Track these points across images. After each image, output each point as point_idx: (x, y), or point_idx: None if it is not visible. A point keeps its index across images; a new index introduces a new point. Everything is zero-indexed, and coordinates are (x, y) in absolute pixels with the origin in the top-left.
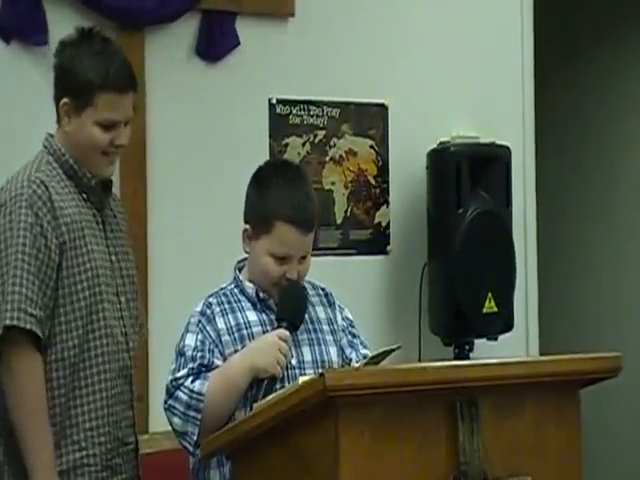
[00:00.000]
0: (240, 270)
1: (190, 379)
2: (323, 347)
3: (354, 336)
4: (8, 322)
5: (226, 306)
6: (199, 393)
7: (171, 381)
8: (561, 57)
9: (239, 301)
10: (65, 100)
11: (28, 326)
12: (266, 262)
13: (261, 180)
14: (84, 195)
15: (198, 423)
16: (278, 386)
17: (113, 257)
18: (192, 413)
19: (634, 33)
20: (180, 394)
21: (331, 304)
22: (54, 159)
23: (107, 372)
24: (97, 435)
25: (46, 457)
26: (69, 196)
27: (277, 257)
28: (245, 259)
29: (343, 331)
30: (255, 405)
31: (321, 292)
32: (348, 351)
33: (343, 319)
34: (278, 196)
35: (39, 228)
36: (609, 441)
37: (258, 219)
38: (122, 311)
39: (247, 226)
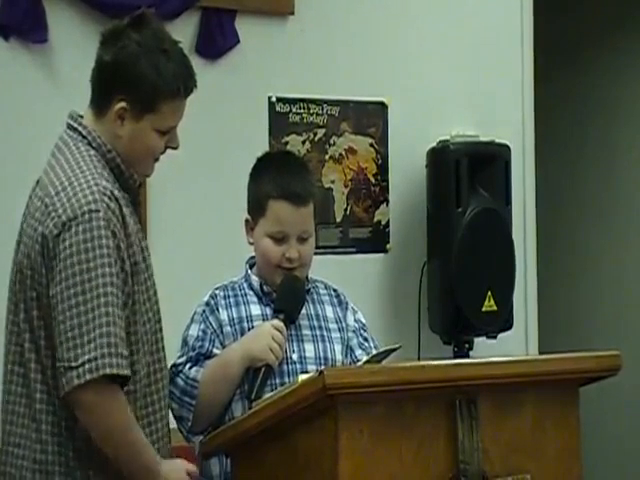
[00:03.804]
0: (252, 267)
1: (188, 366)
2: (327, 344)
3: (366, 339)
4: (108, 370)
5: (232, 299)
6: (194, 380)
7: (171, 367)
8: (561, 56)
9: (245, 295)
10: (123, 105)
11: (125, 371)
12: (265, 244)
13: (256, 170)
14: (126, 196)
15: (192, 409)
16: (278, 381)
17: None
18: (187, 399)
19: (634, 34)
20: (178, 380)
21: (342, 304)
22: (99, 154)
23: (165, 399)
24: None
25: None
26: (123, 201)
27: (275, 238)
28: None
29: (354, 332)
30: (254, 403)
31: (332, 292)
32: (358, 352)
33: (355, 321)
34: (270, 179)
35: (118, 251)
36: (608, 440)
37: (254, 205)
38: None
39: (248, 216)
